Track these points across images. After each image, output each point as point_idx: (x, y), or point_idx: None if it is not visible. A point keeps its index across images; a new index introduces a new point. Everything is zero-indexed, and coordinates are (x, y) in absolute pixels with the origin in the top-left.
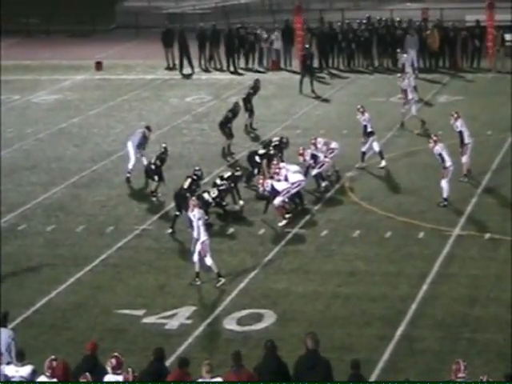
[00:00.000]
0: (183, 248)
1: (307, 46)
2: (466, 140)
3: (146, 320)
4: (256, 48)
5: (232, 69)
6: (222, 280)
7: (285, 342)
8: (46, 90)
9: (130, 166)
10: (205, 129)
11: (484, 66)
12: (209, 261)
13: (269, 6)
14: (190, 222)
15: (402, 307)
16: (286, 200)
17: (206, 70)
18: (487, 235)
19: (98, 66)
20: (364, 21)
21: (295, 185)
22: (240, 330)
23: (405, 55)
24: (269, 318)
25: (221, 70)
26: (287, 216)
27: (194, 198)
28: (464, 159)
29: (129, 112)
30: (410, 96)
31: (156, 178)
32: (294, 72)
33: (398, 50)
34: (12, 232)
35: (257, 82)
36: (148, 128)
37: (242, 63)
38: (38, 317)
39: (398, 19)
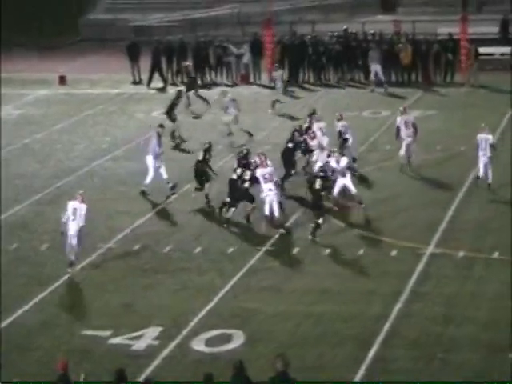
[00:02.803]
0: (149, 267)
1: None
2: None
3: (112, 341)
4: (224, 62)
5: (200, 83)
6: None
7: (254, 362)
8: (9, 104)
9: (148, 180)
10: (172, 144)
11: (457, 80)
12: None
13: (237, 18)
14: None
15: (375, 327)
16: None
17: (174, 84)
18: (461, 253)
19: (62, 80)
20: (335, 33)
21: None
22: (208, 350)
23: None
24: (238, 338)
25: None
26: None
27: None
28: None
29: (93, 127)
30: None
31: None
32: (264, 86)
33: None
34: None
35: (180, 92)
36: (161, 126)
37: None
38: (2, 337)
39: (370, 32)
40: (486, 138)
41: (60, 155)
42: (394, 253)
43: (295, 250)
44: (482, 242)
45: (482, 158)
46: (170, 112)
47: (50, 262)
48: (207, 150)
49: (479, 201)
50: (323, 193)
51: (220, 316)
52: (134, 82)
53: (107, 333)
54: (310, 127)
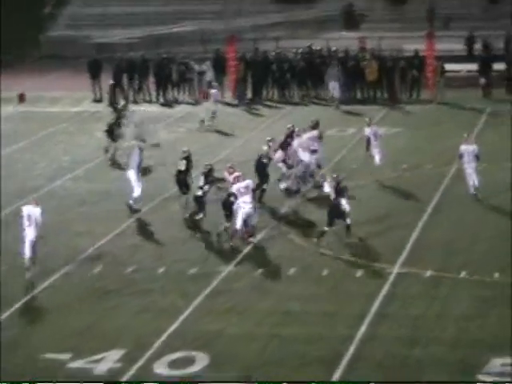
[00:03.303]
0: (111, 288)
1: None
2: None
3: (72, 364)
4: (187, 79)
5: (162, 100)
6: None
7: None
8: None
9: (136, 194)
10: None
11: (424, 97)
12: None
13: (200, 35)
14: None
15: (339, 348)
16: None
17: (135, 102)
18: (428, 273)
19: (21, 98)
20: (300, 50)
21: None
22: (171, 373)
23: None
24: (201, 360)
25: (150, 101)
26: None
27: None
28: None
29: (54, 146)
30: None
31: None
32: (227, 104)
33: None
34: None
35: (123, 108)
36: (143, 140)
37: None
38: None
39: (334, 48)
40: (471, 149)
41: (21, 174)
42: (359, 273)
43: (259, 271)
44: (449, 261)
45: (468, 170)
46: (110, 131)
47: (9, 283)
48: (188, 159)
49: (446, 220)
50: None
51: (183, 338)
52: (96, 100)
53: (67, 356)
54: (286, 142)
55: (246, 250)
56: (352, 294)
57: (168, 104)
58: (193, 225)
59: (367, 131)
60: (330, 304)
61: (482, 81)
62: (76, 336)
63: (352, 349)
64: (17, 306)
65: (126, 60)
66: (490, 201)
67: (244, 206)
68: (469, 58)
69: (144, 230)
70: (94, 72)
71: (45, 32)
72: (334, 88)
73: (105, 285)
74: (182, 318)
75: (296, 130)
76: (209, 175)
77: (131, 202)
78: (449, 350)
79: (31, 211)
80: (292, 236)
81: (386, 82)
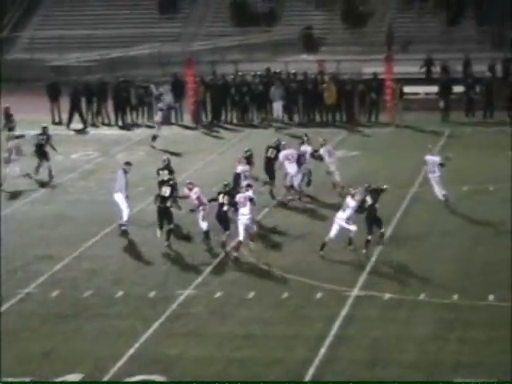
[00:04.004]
0: (69, 312)
1: None
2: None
3: None
4: (145, 102)
5: (120, 124)
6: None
7: None
8: None
9: (125, 217)
10: (91, 187)
11: (383, 120)
12: None
13: (157, 58)
14: None
15: (299, 371)
16: None
17: (93, 125)
18: (387, 295)
19: None
20: (259, 72)
21: None
22: None
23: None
24: None
25: (109, 125)
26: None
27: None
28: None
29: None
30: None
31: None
32: (186, 127)
33: None
34: None
35: (45, 129)
36: (127, 163)
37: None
38: None
39: (293, 71)
40: (433, 160)
41: None
42: (318, 295)
43: (218, 294)
44: (408, 284)
45: (433, 180)
46: (38, 150)
47: None
48: (169, 169)
49: (405, 242)
50: None
51: (142, 362)
52: (54, 123)
53: (27, 380)
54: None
55: (205, 273)
56: (311, 317)
57: (127, 127)
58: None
59: (322, 151)
60: (289, 327)
61: (442, 104)
62: (35, 360)
63: (311, 371)
64: None
65: (84, 83)
66: (448, 224)
67: (242, 218)
68: (427, 80)
69: (102, 253)
70: (53, 95)
71: (2, 55)
72: (277, 109)
73: (62, 309)
74: (140, 341)
75: (282, 143)
76: (174, 188)
77: (123, 226)
78: (408, 371)
79: None
80: (250, 258)
81: (345, 104)
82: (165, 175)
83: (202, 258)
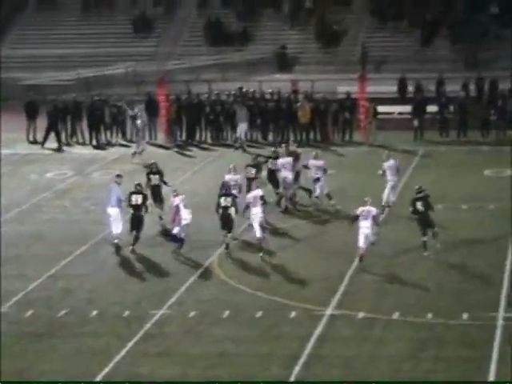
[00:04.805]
0: (43, 331)
1: None
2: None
3: None
4: (119, 121)
5: (95, 143)
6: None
7: None
8: None
9: (119, 230)
10: (66, 206)
11: (356, 139)
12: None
13: (132, 77)
14: None
15: None
16: None
17: (68, 144)
18: (361, 314)
19: None
20: (233, 92)
21: None
22: None
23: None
24: None
25: (83, 144)
26: None
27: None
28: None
29: None
30: None
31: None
32: (160, 146)
33: None
34: None
35: None
36: (119, 176)
37: (104, 137)
38: None
39: (268, 91)
40: (390, 165)
41: None
42: (292, 314)
43: (192, 314)
44: (381, 303)
45: (390, 183)
46: None
47: None
48: (159, 173)
49: (379, 261)
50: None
51: (115, 381)
52: (30, 141)
53: None
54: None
55: (180, 292)
56: (285, 336)
57: (101, 146)
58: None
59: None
60: (263, 345)
61: (415, 123)
62: (7, 382)
63: None
64: None
65: (59, 102)
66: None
67: (255, 217)
68: (401, 100)
69: (77, 272)
70: (31, 113)
71: None
72: (241, 130)
73: (37, 328)
74: (114, 361)
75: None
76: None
77: (115, 240)
78: None
79: None
80: (224, 277)
81: (319, 123)
82: (156, 179)
83: (177, 277)
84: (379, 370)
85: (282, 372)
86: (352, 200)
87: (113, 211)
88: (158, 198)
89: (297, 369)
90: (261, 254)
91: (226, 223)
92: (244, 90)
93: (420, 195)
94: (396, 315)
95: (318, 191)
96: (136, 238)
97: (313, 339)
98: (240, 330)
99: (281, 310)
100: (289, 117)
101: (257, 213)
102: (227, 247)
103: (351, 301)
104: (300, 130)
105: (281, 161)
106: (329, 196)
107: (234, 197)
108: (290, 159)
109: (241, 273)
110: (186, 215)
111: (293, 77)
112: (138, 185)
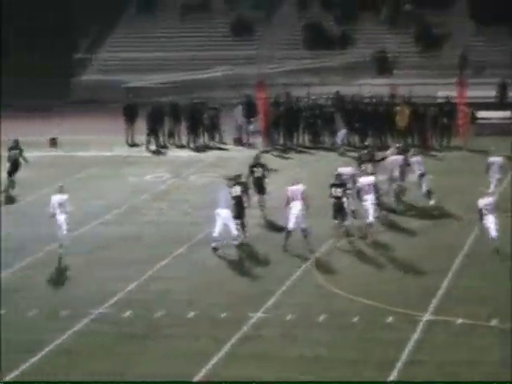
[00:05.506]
0: (142, 333)
1: None
2: None
3: None
4: (217, 124)
5: (192, 146)
6: None
7: None
8: None
9: (234, 232)
10: (164, 208)
11: (455, 144)
12: None
13: (230, 80)
14: None
15: None
16: None
17: (165, 147)
18: (459, 320)
19: (53, 142)
20: (331, 95)
21: None
22: None
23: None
24: None
25: (181, 146)
26: None
27: None
28: None
29: (85, 190)
30: None
31: None
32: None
33: None
34: None
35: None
36: (229, 178)
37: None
38: None
39: (367, 95)
40: (494, 161)
41: (51, 219)
42: (389, 319)
43: (288, 317)
44: (480, 309)
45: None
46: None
47: (38, 328)
48: (262, 166)
49: (478, 267)
50: None
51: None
52: (129, 144)
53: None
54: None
55: (277, 294)
56: (381, 341)
57: (199, 149)
58: None
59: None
60: (359, 351)
61: None
62: (109, 380)
63: None
64: (47, 349)
65: (158, 105)
66: None
67: (367, 203)
68: (501, 105)
69: (174, 274)
70: (130, 116)
71: (76, 77)
72: (340, 134)
73: (135, 329)
74: (211, 363)
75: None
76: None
77: (235, 242)
78: None
79: (60, 199)
80: (322, 281)
81: (417, 128)
82: (259, 171)
83: (276, 277)
84: (476, 377)
85: (378, 378)
86: (452, 205)
87: (225, 213)
88: (261, 190)
89: (393, 374)
90: (367, 240)
91: (339, 212)
92: (341, 94)
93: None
94: (494, 322)
95: (424, 187)
96: (242, 225)
97: (409, 345)
98: (336, 335)
99: (377, 314)
100: (387, 121)
101: (369, 199)
102: (339, 237)
103: (449, 306)
104: (398, 134)
105: (392, 158)
106: (429, 193)
107: (346, 188)
108: (398, 156)
109: (338, 276)
110: (295, 207)
111: (392, 81)
112: (238, 176)
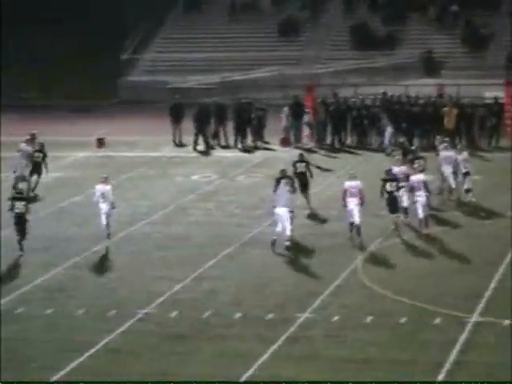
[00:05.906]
0: (187, 333)
1: None
2: None
3: None
4: (264, 124)
5: (240, 146)
6: None
7: None
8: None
9: (288, 232)
10: (211, 208)
11: (503, 145)
12: None
13: (278, 81)
14: None
15: None
16: None
17: (212, 147)
18: (506, 322)
19: (100, 142)
20: (378, 96)
21: None
22: None
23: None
24: None
25: (227, 147)
26: None
27: None
28: None
29: (132, 190)
30: None
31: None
32: (305, 149)
33: None
34: (10, 315)
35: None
36: (288, 178)
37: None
38: None
39: (414, 95)
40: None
41: (98, 219)
42: (436, 321)
43: (335, 318)
44: None
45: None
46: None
47: (85, 327)
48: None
49: None
50: None
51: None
52: (176, 144)
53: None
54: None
55: (323, 296)
56: (429, 342)
57: (246, 149)
58: None
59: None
60: (406, 352)
61: None
62: (151, 382)
63: None
64: (94, 349)
65: (204, 105)
66: None
67: (418, 200)
68: None
69: (221, 275)
70: (176, 116)
71: (123, 77)
72: (387, 134)
73: (181, 329)
74: (257, 363)
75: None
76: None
77: (287, 243)
78: None
79: (103, 189)
80: (368, 282)
81: (465, 129)
82: (302, 167)
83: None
84: None
85: (426, 379)
86: (499, 205)
87: (281, 211)
88: (305, 186)
89: (440, 376)
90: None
91: (394, 206)
92: (388, 94)
93: None
94: None
95: (466, 185)
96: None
97: (457, 346)
98: (383, 336)
99: (425, 315)
100: (434, 121)
101: (420, 195)
102: (398, 229)
103: (497, 308)
104: (446, 134)
105: (444, 154)
106: (468, 191)
107: (399, 182)
108: (452, 153)
109: (385, 277)
110: (351, 202)
111: (439, 81)
112: (283, 170)
